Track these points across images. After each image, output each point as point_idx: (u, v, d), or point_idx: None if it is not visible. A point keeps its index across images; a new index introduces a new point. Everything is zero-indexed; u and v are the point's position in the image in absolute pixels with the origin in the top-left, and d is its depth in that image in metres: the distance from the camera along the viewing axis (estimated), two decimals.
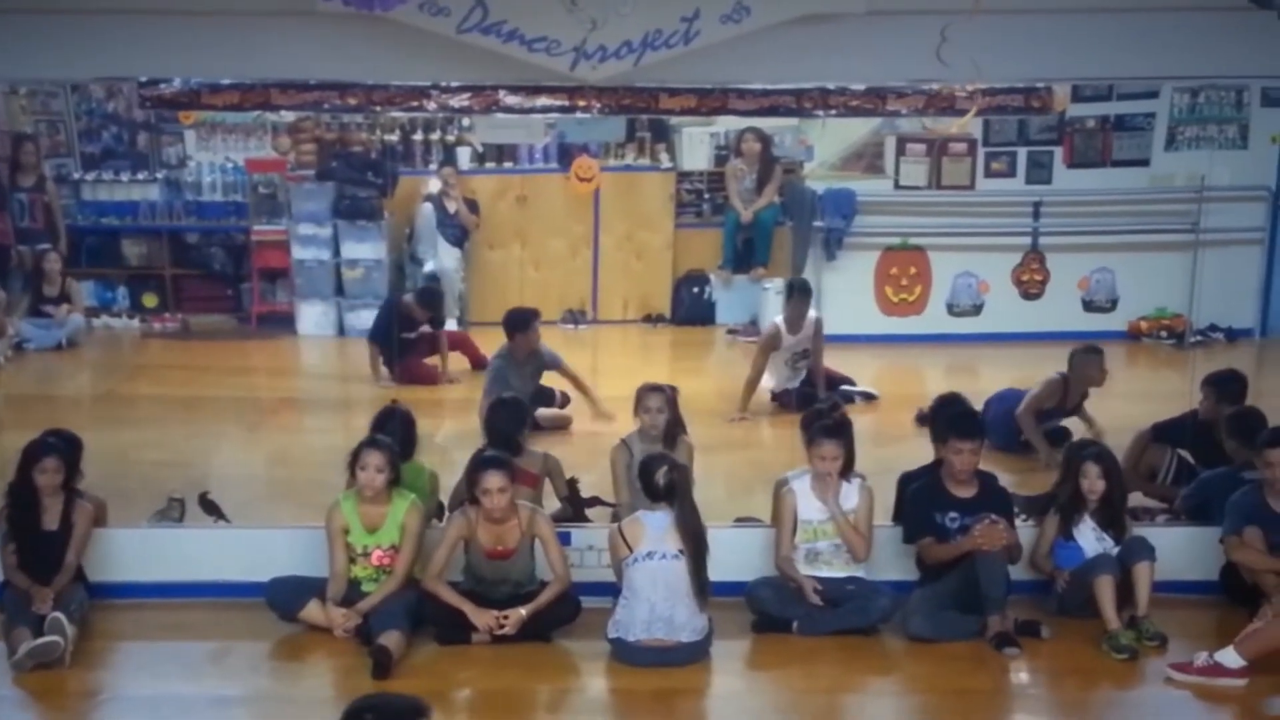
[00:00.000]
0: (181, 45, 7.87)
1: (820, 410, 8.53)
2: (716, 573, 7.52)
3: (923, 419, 9.57)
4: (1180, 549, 8.19)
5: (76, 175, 15.86)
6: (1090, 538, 7.92)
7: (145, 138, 16.32)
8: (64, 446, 7.99)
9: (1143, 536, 7.91)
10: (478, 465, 7.77)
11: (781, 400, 11.88)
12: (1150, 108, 14.83)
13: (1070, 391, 10.55)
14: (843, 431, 8.12)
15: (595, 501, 8.88)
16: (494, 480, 7.61)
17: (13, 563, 7.78)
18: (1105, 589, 7.57)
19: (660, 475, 7.54)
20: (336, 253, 15.18)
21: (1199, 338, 14.09)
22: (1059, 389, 10.54)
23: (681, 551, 7.38)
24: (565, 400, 11.57)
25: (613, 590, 7.59)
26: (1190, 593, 8.14)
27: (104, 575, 8.13)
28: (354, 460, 7.81)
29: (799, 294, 12.00)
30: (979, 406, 9.69)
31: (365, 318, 14.87)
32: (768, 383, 12.06)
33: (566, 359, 11.55)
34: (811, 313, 11.95)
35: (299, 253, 15.14)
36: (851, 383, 12.04)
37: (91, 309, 15.12)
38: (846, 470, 8.01)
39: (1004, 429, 10.28)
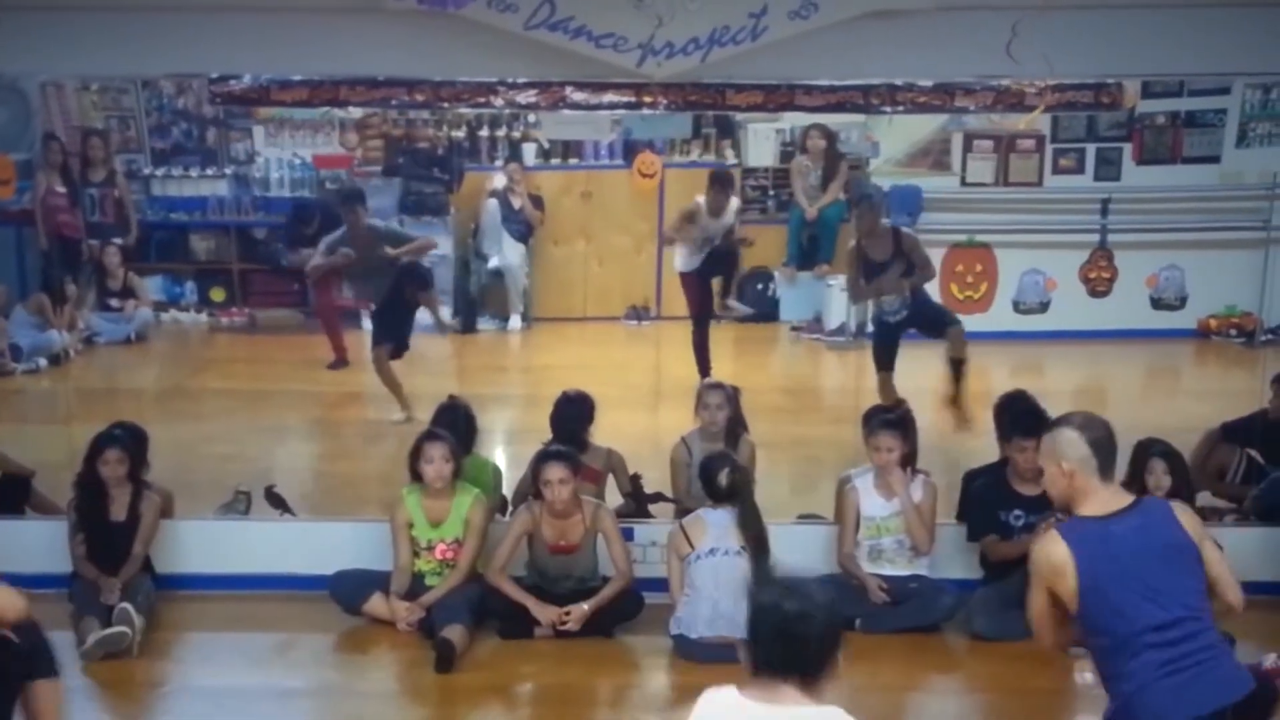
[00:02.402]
0: (251, 42, 7.92)
1: (882, 406, 8.50)
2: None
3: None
4: (1249, 549, 8.10)
5: (146, 171, 16.01)
6: None
7: (214, 133, 16.44)
8: (128, 438, 8.06)
9: (1212, 537, 7.82)
10: (541, 458, 7.79)
11: (684, 281, 12.62)
12: (1222, 104, 14.69)
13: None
14: (902, 425, 8.09)
15: (658, 497, 8.88)
16: (555, 472, 7.63)
17: (81, 553, 7.86)
18: None
19: (722, 476, 7.54)
20: None
21: (1269, 336, 13.94)
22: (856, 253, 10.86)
23: (744, 548, 7.37)
24: None
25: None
26: (1259, 593, 7.95)
27: (171, 567, 8.21)
28: (415, 455, 7.84)
29: (719, 184, 12.44)
30: None
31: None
32: (677, 259, 12.59)
33: (630, 355, 11.58)
34: (734, 200, 12.77)
35: None
36: None
37: (160, 303, 15.26)
38: (908, 465, 7.98)
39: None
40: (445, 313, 13.06)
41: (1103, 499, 5.01)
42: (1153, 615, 4.92)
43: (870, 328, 13.90)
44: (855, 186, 14.71)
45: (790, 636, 4.03)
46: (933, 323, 10.87)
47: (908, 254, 10.63)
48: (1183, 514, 5.14)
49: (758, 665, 4.10)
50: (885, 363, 10.73)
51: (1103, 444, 5.02)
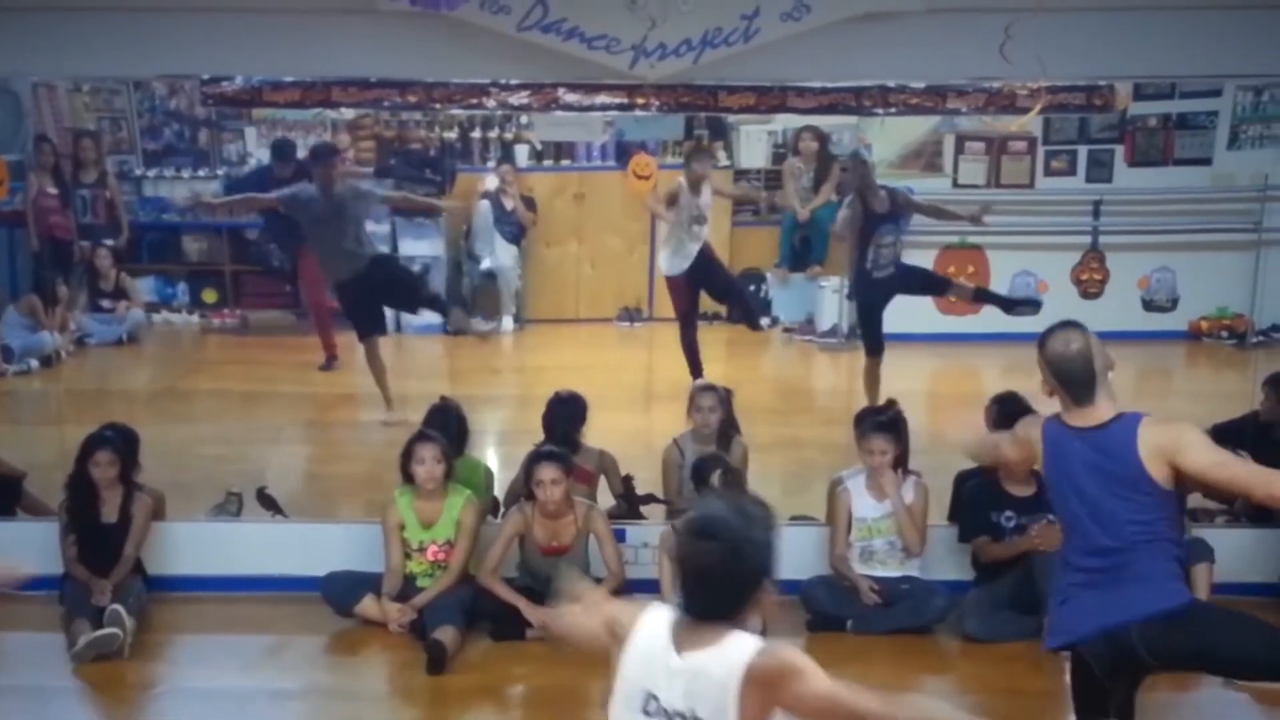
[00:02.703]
0: (243, 43, 7.92)
1: (874, 408, 8.51)
2: None
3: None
4: (1241, 550, 8.13)
5: (138, 172, 15.98)
6: None
7: (206, 134, 16.42)
8: (119, 440, 8.05)
9: (1202, 538, 7.85)
10: (533, 459, 7.80)
11: (671, 284, 12.39)
12: (1213, 106, 14.69)
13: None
14: (894, 427, 8.10)
15: (650, 499, 8.87)
16: (548, 472, 7.63)
17: (72, 555, 7.86)
18: None
19: (715, 478, 7.55)
20: (394, 249, 15.21)
21: (1260, 338, 13.95)
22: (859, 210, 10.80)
23: None
24: None
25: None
26: (1251, 595, 8.05)
27: (162, 568, 8.20)
28: (406, 456, 7.83)
29: (695, 156, 12.36)
30: None
31: (423, 314, 14.92)
32: (663, 261, 12.43)
33: (622, 356, 11.53)
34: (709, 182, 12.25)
35: None
36: None
37: (152, 304, 15.22)
38: (900, 466, 7.99)
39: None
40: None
41: (1078, 415, 5.29)
42: (1088, 537, 5.21)
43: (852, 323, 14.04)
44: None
45: (701, 576, 3.82)
46: (925, 285, 11.02)
47: (904, 208, 10.82)
48: (1148, 434, 5.19)
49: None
50: (875, 342, 10.77)
51: (1068, 375, 5.32)
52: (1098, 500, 5.18)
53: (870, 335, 10.84)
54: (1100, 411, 5.27)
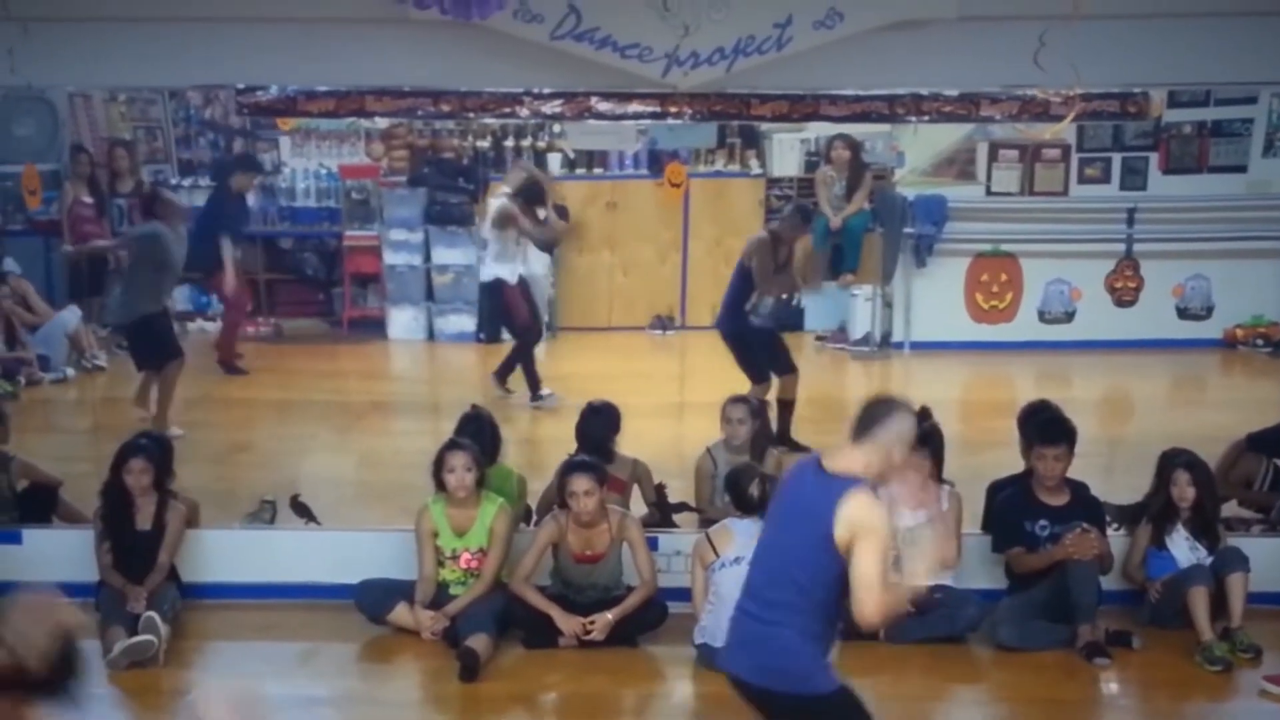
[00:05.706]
0: (278, 53, 7.97)
1: None
2: None
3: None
4: (1276, 559, 8.07)
5: (174, 181, 16.05)
6: (1183, 547, 7.83)
7: (241, 144, 16.51)
8: (153, 448, 8.08)
9: (1237, 547, 7.81)
10: (567, 469, 7.79)
11: (492, 288, 12.77)
12: (1248, 113, 14.67)
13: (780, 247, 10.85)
14: (930, 440, 8.06)
15: (683, 507, 8.87)
16: (582, 483, 7.63)
17: (107, 562, 7.89)
18: (1199, 600, 7.47)
19: (753, 487, 7.54)
20: (427, 258, 15.28)
21: None
22: (768, 246, 10.86)
23: None
24: None
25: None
26: None
27: (196, 575, 8.22)
28: (438, 464, 7.84)
29: (528, 197, 12.71)
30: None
31: (455, 322, 15.00)
32: (494, 264, 12.69)
33: (654, 364, 11.51)
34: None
35: (390, 258, 15.27)
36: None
37: (187, 313, 15.30)
38: (934, 477, 7.96)
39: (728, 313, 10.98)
40: None
41: (837, 456, 5.41)
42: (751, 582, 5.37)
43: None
44: (880, 195, 14.73)
45: None
46: (772, 359, 10.91)
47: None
48: (851, 502, 5.29)
49: None
50: (759, 372, 10.83)
51: (858, 414, 5.43)
52: (778, 543, 5.31)
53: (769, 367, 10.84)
54: (848, 463, 5.35)
